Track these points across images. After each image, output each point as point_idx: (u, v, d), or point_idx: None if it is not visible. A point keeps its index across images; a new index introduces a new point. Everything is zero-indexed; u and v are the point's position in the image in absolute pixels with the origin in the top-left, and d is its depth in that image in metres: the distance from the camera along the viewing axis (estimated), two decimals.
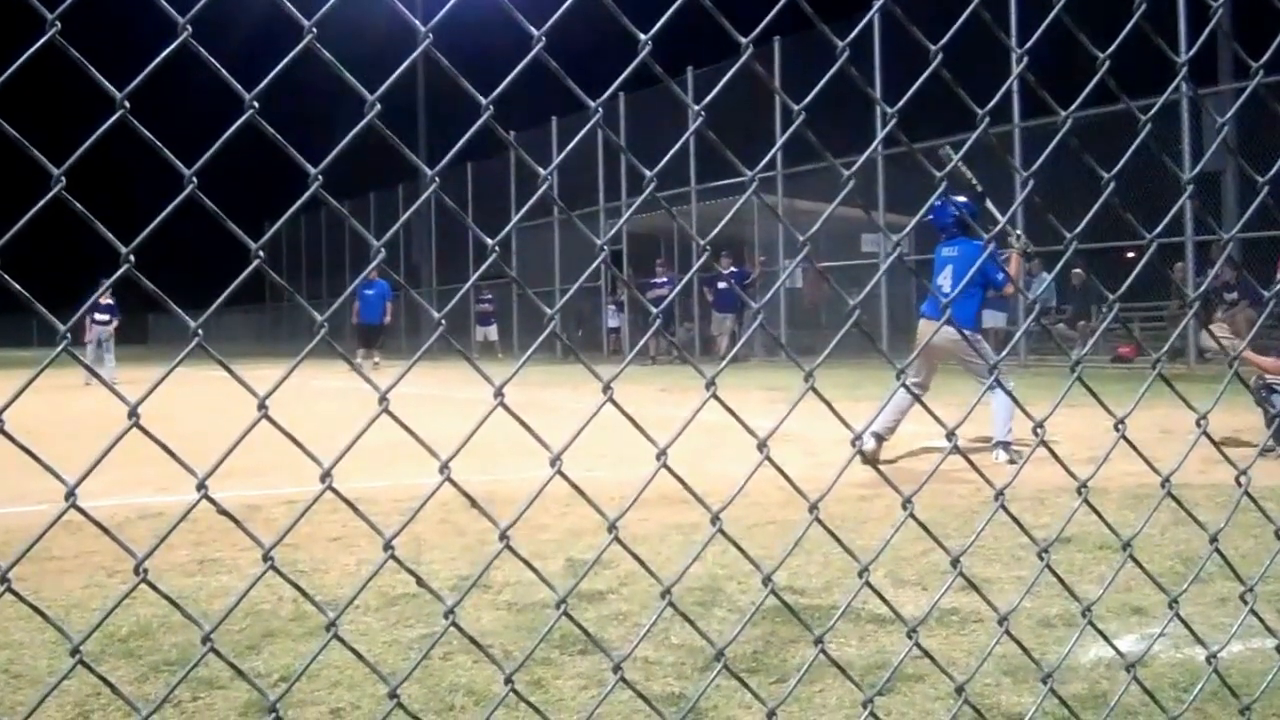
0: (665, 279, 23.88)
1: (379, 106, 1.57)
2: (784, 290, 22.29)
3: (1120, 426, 2.08)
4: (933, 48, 1.99)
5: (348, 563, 4.77)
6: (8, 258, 1.27)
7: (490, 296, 28.75)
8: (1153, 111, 2.25)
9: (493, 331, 28.72)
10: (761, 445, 1.78)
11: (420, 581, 1.55)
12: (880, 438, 7.32)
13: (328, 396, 11.04)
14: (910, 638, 1.91)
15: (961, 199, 7.63)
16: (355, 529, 5.14)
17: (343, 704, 3.07)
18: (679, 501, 4.74)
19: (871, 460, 6.77)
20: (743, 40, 1.91)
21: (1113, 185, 2.18)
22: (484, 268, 1.59)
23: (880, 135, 2.01)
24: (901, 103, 2.00)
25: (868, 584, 1.85)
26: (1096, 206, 2.17)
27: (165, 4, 1.39)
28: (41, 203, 1.30)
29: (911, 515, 1.88)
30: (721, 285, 22.21)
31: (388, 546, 1.46)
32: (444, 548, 4.95)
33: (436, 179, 1.56)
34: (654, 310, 1.78)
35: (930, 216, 7.33)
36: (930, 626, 3.56)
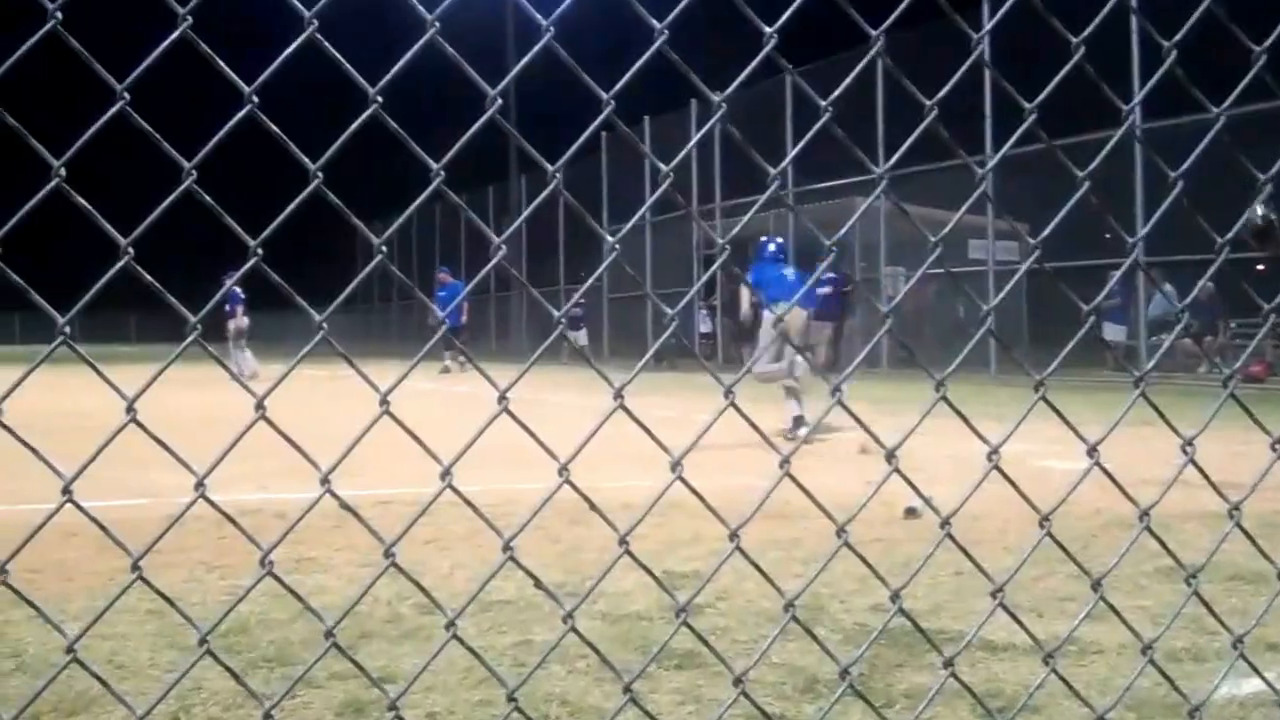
0: None
1: (500, 101, 1.53)
2: (887, 299, 21.92)
3: (1278, 447, 1.94)
4: (1074, 39, 1.90)
5: (441, 566, 4.75)
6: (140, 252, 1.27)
7: (581, 300, 28.65)
8: None
9: (582, 336, 28.47)
10: (890, 456, 1.73)
11: (539, 584, 1.53)
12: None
13: (417, 398, 11.15)
14: (1047, 663, 1.81)
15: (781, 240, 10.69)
16: (449, 532, 5.12)
17: (438, 708, 3.03)
18: (774, 516, 4.62)
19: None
20: (872, 33, 1.83)
21: (1269, 188, 2.04)
22: (607, 263, 1.54)
23: (1019, 130, 1.90)
24: (1041, 97, 1.89)
25: (1002, 606, 1.76)
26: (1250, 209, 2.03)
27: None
28: (173, 196, 1.29)
29: (1049, 534, 1.77)
30: (820, 291, 21.86)
31: (507, 547, 1.45)
32: (536, 554, 4.90)
33: (558, 174, 1.51)
34: (776, 313, 1.72)
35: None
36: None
